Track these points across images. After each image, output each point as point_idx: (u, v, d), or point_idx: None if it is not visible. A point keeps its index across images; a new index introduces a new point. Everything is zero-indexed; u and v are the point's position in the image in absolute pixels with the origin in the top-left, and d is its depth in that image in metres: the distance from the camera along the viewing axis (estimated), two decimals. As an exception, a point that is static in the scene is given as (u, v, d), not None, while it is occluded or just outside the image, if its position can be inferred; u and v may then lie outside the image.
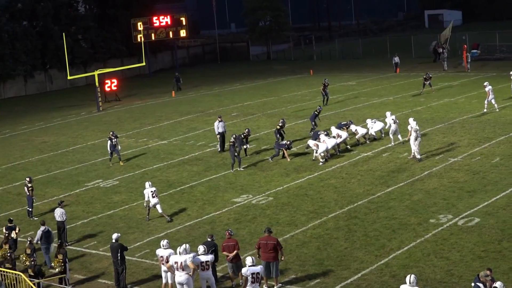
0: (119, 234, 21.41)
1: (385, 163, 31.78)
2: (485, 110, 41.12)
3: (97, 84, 54.81)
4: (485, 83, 41.65)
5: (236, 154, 32.29)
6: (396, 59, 64.17)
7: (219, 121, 36.31)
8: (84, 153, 39.20)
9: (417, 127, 31.62)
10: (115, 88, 58.81)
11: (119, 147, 35.73)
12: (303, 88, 57.36)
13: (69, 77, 57.87)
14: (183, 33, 78.54)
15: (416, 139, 31.45)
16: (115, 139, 35.18)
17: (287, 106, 49.26)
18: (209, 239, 20.49)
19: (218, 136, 36.56)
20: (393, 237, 22.93)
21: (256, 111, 48.10)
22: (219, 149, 36.48)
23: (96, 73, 55.72)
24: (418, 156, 31.49)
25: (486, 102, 41.16)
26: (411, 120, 32.23)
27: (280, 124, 36.07)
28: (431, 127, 38.20)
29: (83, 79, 70.09)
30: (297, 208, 26.65)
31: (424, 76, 50.23)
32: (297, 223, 25.04)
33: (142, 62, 62.29)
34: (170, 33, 77.30)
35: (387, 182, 28.96)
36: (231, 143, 32.45)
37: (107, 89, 58.26)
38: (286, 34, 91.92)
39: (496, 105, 41.19)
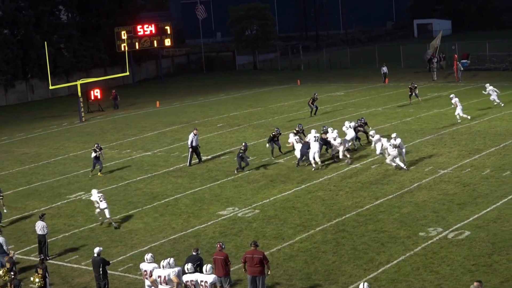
0: (101, 248, 21.31)
1: (374, 175, 31.82)
2: (458, 121, 41.57)
3: (79, 94, 54.69)
4: (451, 95, 42.65)
5: (242, 161, 33.71)
6: (385, 69, 64.40)
7: (194, 134, 36.18)
8: (66, 164, 39.04)
9: (387, 144, 32.18)
10: (100, 97, 58.82)
11: (103, 156, 35.69)
12: (290, 99, 57.45)
13: (51, 87, 57.72)
14: (167, 42, 78.64)
15: (388, 155, 32.00)
16: (100, 151, 35.12)
17: (274, 116, 49.29)
18: (194, 253, 20.41)
19: (189, 149, 36.32)
20: (382, 250, 22.93)
21: (242, 122, 48.10)
22: (188, 164, 36.33)
23: (78, 82, 55.60)
24: (393, 164, 32.13)
25: (456, 114, 41.70)
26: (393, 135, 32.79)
27: (297, 129, 36.91)
28: (420, 138, 38.31)
29: (65, 89, 69.88)
30: (284, 221, 26.61)
31: (410, 86, 50.47)
32: (284, 237, 25.00)
33: (126, 72, 62.25)
34: (155, 42, 77.40)
35: (375, 194, 28.99)
36: (242, 151, 33.55)
37: (92, 97, 58.28)
38: (273, 44, 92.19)
39: (465, 115, 41.66)
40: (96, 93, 58.89)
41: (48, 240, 25.03)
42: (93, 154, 35.08)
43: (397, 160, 31.92)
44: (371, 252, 22.88)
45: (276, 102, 56.18)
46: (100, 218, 27.87)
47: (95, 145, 35.57)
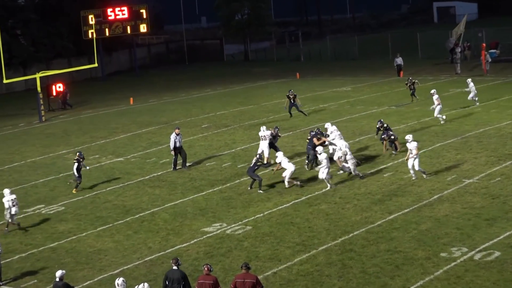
0: (64, 271, 21.22)
1: (387, 185, 31.82)
2: (443, 121, 42.30)
3: (39, 89, 54.59)
4: (432, 91, 42.91)
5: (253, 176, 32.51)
6: (399, 60, 64.50)
7: (177, 134, 36.38)
8: (23, 172, 38.94)
9: (347, 151, 32.74)
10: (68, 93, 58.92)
11: (86, 167, 35.24)
12: (287, 95, 57.47)
13: (5, 81, 57.55)
14: (143, 28, 78.68)
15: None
16: (83, 161, 34.60)
17: (268, 116, 49.28)
18: (174, 267, 20.31)
19: (172, 152, 36.55)
20: (397, 274, 22.90)
21: (231, 122, 48.09)
22: (173, 168, 36.65)
23: (38, 75, 55.56)
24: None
25: (436, 111, 42.11)
26: (407, 137, 32.75)
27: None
28: (441, 142, 38.34)
29: (22, 83, 69.81)
30: (280, 239, 26.57)
31: (406, 83, 50.69)
32: (280, 258, 24.96)
33: (94, 63, 62.13)
34: (128, 28, 77.41)
35: (389, 208, 28.96)
36: (259, 163, 32.79)
37: (54, 93, 58.26)
38: (268, 30, 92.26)
39: (440, 116, 42.32)
40: (58, 88, 58.91)
41: (1, 262, 24.93)
42: (76, 165, 34.59)
43: (355, 171, 32.79)
44: (383, 276, 22.86)
45: (271, 99, 56.19)
46: (14, 223, 29.22)
47: (77, 154, 34.99)
